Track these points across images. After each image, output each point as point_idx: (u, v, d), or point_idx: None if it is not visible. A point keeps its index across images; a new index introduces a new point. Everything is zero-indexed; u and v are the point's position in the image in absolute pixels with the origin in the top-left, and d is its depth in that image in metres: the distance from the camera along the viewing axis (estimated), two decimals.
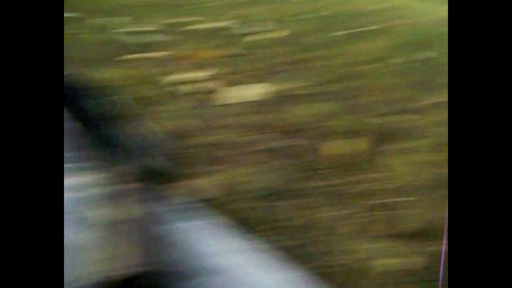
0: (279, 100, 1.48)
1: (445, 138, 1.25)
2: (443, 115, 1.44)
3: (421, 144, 1.30)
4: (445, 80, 1.83)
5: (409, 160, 1.20)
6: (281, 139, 1.27)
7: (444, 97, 1.61)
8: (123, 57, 1.80)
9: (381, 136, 1.30)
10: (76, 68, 1.11)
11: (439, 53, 2.13)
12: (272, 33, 2.22)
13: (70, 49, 1.38)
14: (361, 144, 1.26)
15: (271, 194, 1.05)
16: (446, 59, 1.88)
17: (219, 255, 0.76)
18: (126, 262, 0.56)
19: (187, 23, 2.19)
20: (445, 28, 2.34)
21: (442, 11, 3.87)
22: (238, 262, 0.77)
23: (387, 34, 2.50)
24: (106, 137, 0.77)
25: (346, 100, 1.50)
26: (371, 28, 2.65)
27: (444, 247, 0.82)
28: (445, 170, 1.13)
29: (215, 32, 2.18)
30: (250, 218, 1.01)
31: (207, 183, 1.09)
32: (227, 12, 2.54)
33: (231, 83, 1.57)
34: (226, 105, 1.44)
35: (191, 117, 1.39)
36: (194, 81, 1.59)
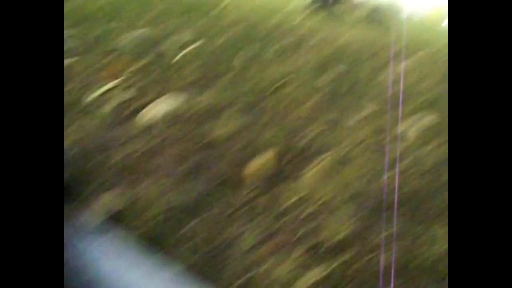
0: (193, 115, 1.47)
1: (353, 152, 1.34)
2: (354, 129, 1.54)
3: (334, 158, 1.35)
4: (358, 95, 1.97)
5: (323, 174, 1.24)
6: (194, 153, 1.27)
7: (356, 112, 1.73)
8: None
9: (295, 150, 1.34)
10: None
11: (352, 70, 2.28)
12: (189, 46, 2.21)
13: None
14: (275, 159, 1.28)
15: (180, 209, 1.05)
16: (358, 75, 1.99)
17: (124, 273, 0.77)
18: None
19: (101, 32, 2.11)
20: (358, 45, 2.47)
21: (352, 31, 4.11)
22: (141, 278, 0.77)
23: (304, 51, 2.61)
24: None
25: (262, 115, 1.52)
26: (289, 44, 2.75)
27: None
28: (356, 183, 1.22)
29: (130, 42, 2.13)
30: (157, 233, 1.00)
31: (114, 199, 1.06)
32: (143, 22, 2.49)
33: (145, 96, 1.54)
34: (139, 118, 1.41)
35: (101, 131, 1.34)
36: (105, 94, 1.52)
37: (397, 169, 1.28)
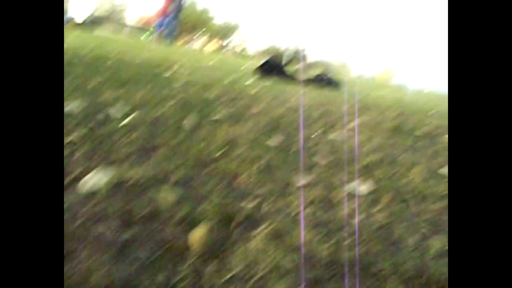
0: (135, 184, 1.45)
1: (292, 223, 1.34)
2: (291, 198, 1.56)
3: (283, 220, 1.36)
4: (307, 155, 2.04)
5: (272, 238, 1.24)
6: (137, 222, 1.23)
7: (305, 172, 1.75)
8: None
9: (242, 215, 1.34)
10: None
11: (292, 139, 2.34)
12: (124, 118, 2.21)
13: None
14: (222, 224, 1.28)
15: (121, 281, 0.99)
16: (295, 146, 2.07)
17: None
18: None
19: None
20: (296, 117, 2.58)
21: (295, 96, 4.29)
22: None
23: (241, 120, 2.68)
24: None
25: (196, 187, 1.52)
26: (237, 108, 2.82)
27: None
28: (307, 245, 1.22)
29: (69, 112, 2.11)
30: None
31: None
32: (76, 94, 2.47)
33: (84, 166, 1.50)
34: (78, 188, 1.36)
35: None
36: None
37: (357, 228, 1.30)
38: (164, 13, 15.08)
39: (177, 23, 15.74)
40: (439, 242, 1.35)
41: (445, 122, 4.12)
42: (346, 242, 1.28)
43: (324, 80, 7.27)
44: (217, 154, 1.88)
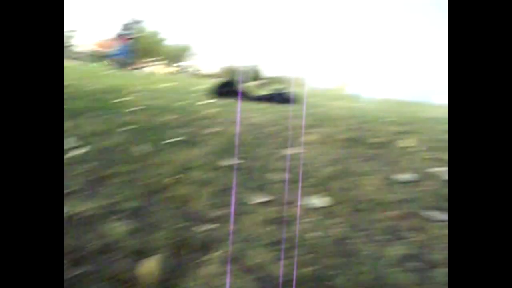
0: (75, 223, 1.39)
1: (252, 235, 1.32)
2: (253, 213, 1.54)
3: (234, 247, 1.32)
4: (252, 183, 2.02)
5: (212, 272, 1.19)
6: (85, 258, 1.18)
7: (257, 195, 1.74)
8: None
9: (184, 249, 1.29)
10: None
11: (246, 158, 2.33)
12: (75, 149, 2.16)
13: None
14: (161, 261, 1.22)
15: None
16: (249, 165, 2.05)
17: None
18: None
19: None
20: (251, 136, 2.58)
21: (254, 118, 4.29)
22: None
23: (194, 143, 2.65)
24: None
25: (148, 215, 1.49)
26: (179, 138, 2.78)
27: None
28: (258, 270, 1.20)
29: None
30: None
31: None
32: None
33: None
34: None
35: None
36: None
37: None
38: (115, 40, 14.94)
39: (129, 48, 15.61)
40: (395, 250, 1.37)
41: (397, 128, 4.23)
42: (302, 258, 1.27)
43: (280, 96, 7.36)
44: (170, 180, 1.84)
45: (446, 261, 1.29)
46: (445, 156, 2.78)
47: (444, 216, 1.63)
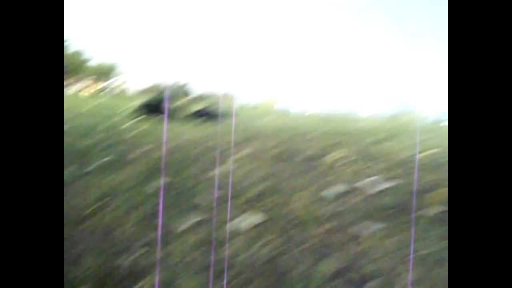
0: None
1: (185, 260, 1.27)
2: (182, 237, 1.48)
3: (164, 274, 1.28)
4: (179, 207, 1.96)
5: None
6: None
7: (185, 218, 1.68)
8: None
9: (108, 283, 1.23)
10: None
11: (172, 181, 2.26)
12: None
13: None
14: (100, 284, 1.18)
15: None
16: (178, 185, 1.97)
17: None
18: None
19: None
20: (180, 155, 2.49)
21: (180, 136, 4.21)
22: None
23: (118, 168, 2.54)
24: None
25: (68, 249, 1.42)
26: (101, 163, 2.66)
27: None
28: None
29: None
30: None
31: None
32: None
33: None
34: None
35: None
36: None
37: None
38: None
39: None
40: (326, 266, 1.37)
41: (326, 142, 4.33)
42: (235, 281, 1.23)
43: (208, 114, 7.32)
44: (92, 209, 1.73)
45: (379, 272, 1.32)
46: (374, 166, 2.88)
47: (377, 225, 1.67)
